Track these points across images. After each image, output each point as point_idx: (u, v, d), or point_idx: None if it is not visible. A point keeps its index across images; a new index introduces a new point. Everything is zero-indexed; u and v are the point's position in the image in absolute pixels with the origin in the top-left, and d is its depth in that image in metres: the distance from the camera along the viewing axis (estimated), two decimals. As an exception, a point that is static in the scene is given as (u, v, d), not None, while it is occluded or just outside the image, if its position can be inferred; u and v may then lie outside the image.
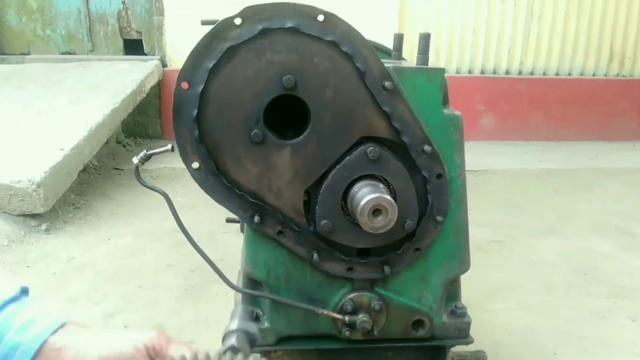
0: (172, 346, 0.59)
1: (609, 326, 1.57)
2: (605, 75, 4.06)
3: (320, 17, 0.81)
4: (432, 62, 0.95)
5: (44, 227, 2.17)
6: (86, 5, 3.57)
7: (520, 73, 3.94)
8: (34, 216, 2.17)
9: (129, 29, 3.65)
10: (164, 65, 3.54)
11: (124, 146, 3.37)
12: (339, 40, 0.81)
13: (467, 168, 0.98)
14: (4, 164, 2.22)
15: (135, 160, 0.88)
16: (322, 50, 0.81)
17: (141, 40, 3.65)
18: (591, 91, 4.00)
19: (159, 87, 3.49)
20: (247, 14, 0.79)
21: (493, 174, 3.15)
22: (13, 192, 2.09)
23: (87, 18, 3.59)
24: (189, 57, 0.81)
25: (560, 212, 2.54)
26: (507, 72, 3.92)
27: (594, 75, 4.04)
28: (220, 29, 0.80)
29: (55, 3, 3.57)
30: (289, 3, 0.80)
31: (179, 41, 3.46)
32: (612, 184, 2.99)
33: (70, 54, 3.64)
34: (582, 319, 1.60)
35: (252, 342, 0.66)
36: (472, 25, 3.78)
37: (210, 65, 0.80)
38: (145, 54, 3.64)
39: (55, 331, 0.58)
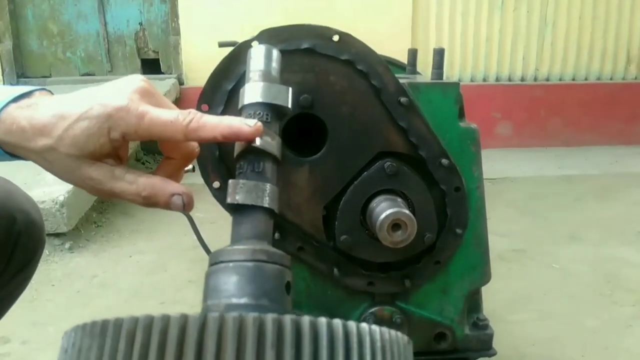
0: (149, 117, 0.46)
1: (636, 335, 1.54)
2: (623, 79, 4.01)
3: (335, 37, 0.82)
4: (447, 71, 0.97)
5: (67, 245, 2.22)
6: (104, 27, 3.66)
7: (536, 79, 3.92)
8: (57, 235, 2.21)
9: (146, 49, 3.72)
10: (181, 83, 3.60)
11: (143, 164, 3.42)
12: (354, 59, 0.83)
13: (485, 176, 0.99)
14: (29, 185, 2.27)
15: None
16: (337, 69, 0.83)
17: (158, 59, 3.72)
18: (609, 95, 3.95)
19: (176, 105, 3.55)
20: (264, 36, 0.81)
21: (512, 181, 3.12)
22: (42, 214, 2.15)
23: (106, 40, 3.67)
24: (208, 80, 0.83)
25: (582, 219, 2.50)
26: (522, 79, 3.90)
27: (611, 79, 3.99)
28: (238, 52, 0.82)
29: (75, 27, 3.66)
30: (304, 25, 0.82)
31: (195, 59, 3.52)
32: (635, 189, 2.94)
33: (90, 75, 3.72)
34: (608, 328, 1.57)
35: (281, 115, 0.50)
36: (485, 33, 3.77)
37: (229, 87, 0.82)
38: (162, 73, 3.70)
39: (17, 99, 0.49)
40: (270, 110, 0.48)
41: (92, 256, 2.17)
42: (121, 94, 0.47)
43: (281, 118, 0.51)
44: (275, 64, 0.51)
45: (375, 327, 0.33)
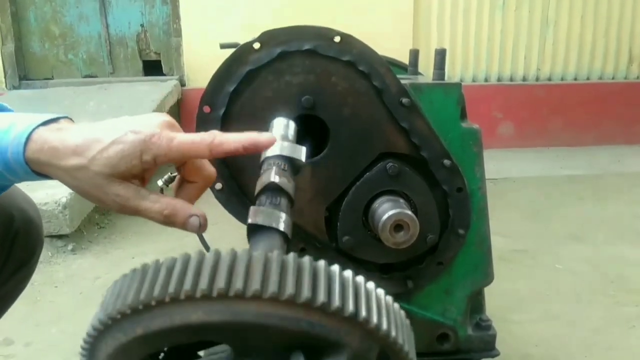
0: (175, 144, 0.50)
1: (639, 335, 1.53)
2: (625, 78, 4.00)
3: (337, 38, 0.82)
4: (448, 71, 0.97)
5: (70, 247, 2.22)
6: (106, 29, 3.67)
7: (537, 79, 3.91)
8: (60, 237, 2.22)
9: (147, 51, 3.73)
10: (183, 84, 3.61)
11: (145, 165, 3.43)
12: (355, 59, 0.83)
13: (487, 176, 0.99)
14: (31, 187, 2.28)
15: (160, 182, 0.90)
16: (339, 70, 0.83)
17: (160, 61, 3.73)
18: (611, 95, 3.94)
19: (178, 107, 3.55)
20: (266, 38, 0.81)
21: (514, 181, 3.12)
22: (40, 214, 2.15)
23: (108, 42, 3.68)
24: (210, 82, 0.83)
25: (585, 218, 2.50)
26: (524, 79, 3.89)
27: (613, 78, 3.99)
28: (239, 54, 0.82)
29: (77, 29, 3.67)
30: (305, 26, 0.82)
31: (197, 61, 3.52)
32: (637, 189, 2.94)
33: (91, 77, 3.73)
34: (611, 328, 1.57)
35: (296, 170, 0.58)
36: (486, 33, 3.77)
37: (231, 89, 0.82)
38: (164, 75, 3.71)
39: (46, 123, 0.53)
40: (288, 162, 0.57)
41: (94, 258, 2.17)
42: (151, 125, 0.52)
43: (297, 171, 0.58)
44: (292, 131, 0.62)
45: (381, 290, 0.39)
